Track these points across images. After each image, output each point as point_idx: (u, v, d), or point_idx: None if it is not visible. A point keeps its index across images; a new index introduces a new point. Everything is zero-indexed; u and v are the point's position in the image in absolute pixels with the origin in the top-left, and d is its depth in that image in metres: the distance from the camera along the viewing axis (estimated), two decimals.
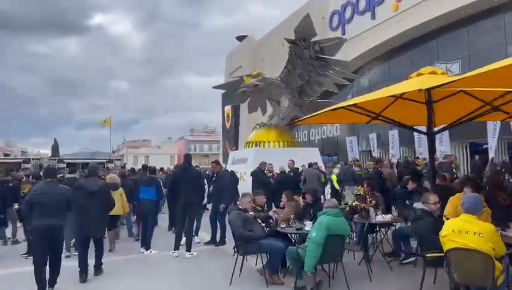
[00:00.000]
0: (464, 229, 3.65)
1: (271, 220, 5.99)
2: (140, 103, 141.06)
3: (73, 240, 7.54)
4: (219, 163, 8.70)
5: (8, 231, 9.17)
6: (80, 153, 55.52)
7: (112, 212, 6.99)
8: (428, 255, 4.33)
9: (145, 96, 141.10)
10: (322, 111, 6.99)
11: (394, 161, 16.06)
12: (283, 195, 6.93)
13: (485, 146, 17.61)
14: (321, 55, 14.98)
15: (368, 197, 6.92)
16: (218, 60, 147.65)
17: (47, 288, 5.35)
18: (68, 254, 7.56)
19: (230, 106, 37.38)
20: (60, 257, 5.66)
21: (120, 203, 8.01)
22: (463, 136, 18.23)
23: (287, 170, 11.25)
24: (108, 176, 8.93)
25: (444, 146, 20.24)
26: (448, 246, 3.72)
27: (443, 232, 3.79)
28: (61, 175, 9.92)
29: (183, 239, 7.73)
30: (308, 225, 5.46)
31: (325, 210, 4.88)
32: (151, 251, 7.84)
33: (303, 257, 4.80)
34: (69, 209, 5.63)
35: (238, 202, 5.83)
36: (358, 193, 7.04)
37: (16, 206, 8.30)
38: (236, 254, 6.97)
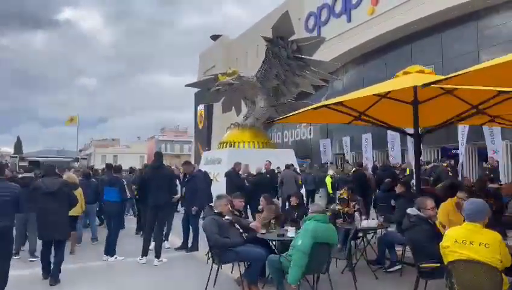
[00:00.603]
0: (468, 239, 3.29)
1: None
2: (109, 100, 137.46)
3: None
4: (190, 163, 8.14)
5: None
6: (45, 151, 53.26)
7: (70, 213, 6.46)
8: (423, 265, 3.98)
9: (114, 94, 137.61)
10: (304, 109, 6.61)
11: (369, 164, 15.96)
12: (261, 198, 6.49)
13: (454, 151, 17.83)
14: (299, 55, 14.65)
15: (349, 201, 6.56)
16: (191, 59, 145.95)
17: None
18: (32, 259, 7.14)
19: (203, 106, 36.77)
20: (7, 265, 5.08)
21: (79, 203, 7.40)
22: (434, 141, 18.37)
23: (263, 171, 10.81)
24: (66, 174, 8.22)
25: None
26: (450, 258, 3.36)
27: (444, 242, 3.43)
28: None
29: (152, 244, 7.17)
30: (290, 231, 5.02)
31: (311, 215, 4.44)
32: (116, 257, 7.20)
33: (286, 267, 4.35)
34: (17, 209, 5.15)
35: (212, 205, 5.28)
36: (342, 197, 6.67)
37: None
38: (210, 261, 6.51)
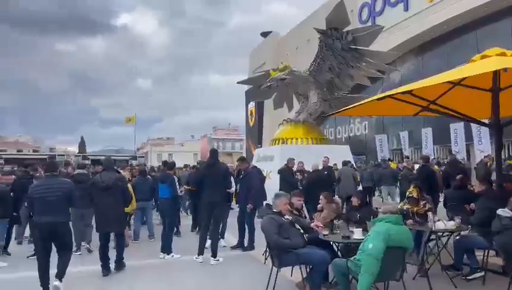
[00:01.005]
0: None
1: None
2: (163, 101, 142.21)
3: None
4: (245, 160, 7.88)
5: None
6: (105, 151, 55.95)
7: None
8: None
9: (168, 95, 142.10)
10: (367, 100, 6.12)
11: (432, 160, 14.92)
12: (321, 196, 6.08)
13: None
14: (354, 46, 13.97)
15: (419, 199, 5.97)
16: (241, 58, 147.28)
17: (54, 281, 5.07)
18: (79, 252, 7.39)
19: (254, 103, 36.70)
20: (68, 257, 5.31)
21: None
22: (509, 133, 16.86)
23: (320, 167, 10.32)
24: None
25: (483, 144, 18.95)
26: None
27: None
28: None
29: (208, 242, 7.00)
30: (357, 233, 4.59)
31: (383, 216, 4.00)
32: (172, 255, 7.11)
33: (355, 272, 3.94)
34: (71, 204, 5.37)
35: (271, 204, 4.96)
36: (410, 195, 6.09)
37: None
38: (267, 261, 6.23)
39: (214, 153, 7.27)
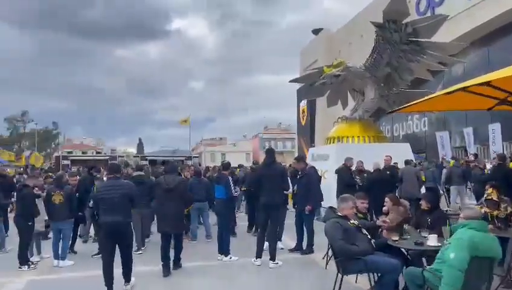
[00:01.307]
0: None
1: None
2: (216, 101, 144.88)
3: None
4: (303, 159, 7.60)
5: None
6: (161, 151, 57.95)
7: None
8: None
9: (220, 95, 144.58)
10: (435, 94, 5.64)
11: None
12: (386, 198, 5.69)
13: None
14: (415, 38, 13.20)
15: (500, 202, 5.40)
16: (291, 57, 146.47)
17: (124, 285, 5.35)
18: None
19: (305, 102, 36.23)
20: (130, 253, 5.51)
21: None
22: None
23: (381, 167, 9.81)
24: None
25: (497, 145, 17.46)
26: None
27: None
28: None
29: (265, 244, 6.83)
30: (431, 239, 4.19)
31: (465, 222, 3.58)
32: (230, 258, 7.01)
33: (433, 284, 3.56)
34: (132, 204, 5.53)
35: (335, 207, 4.67)
36: (489, 197, 5.53)
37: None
38: (330, 267, 5.94)
39: (270, 152, 7.08)
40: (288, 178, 7.79)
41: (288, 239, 8.03)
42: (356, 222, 4.46)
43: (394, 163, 11.20)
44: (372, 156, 11.53)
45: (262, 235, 6.80)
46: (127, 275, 5.48)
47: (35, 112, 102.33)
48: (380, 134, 16.05)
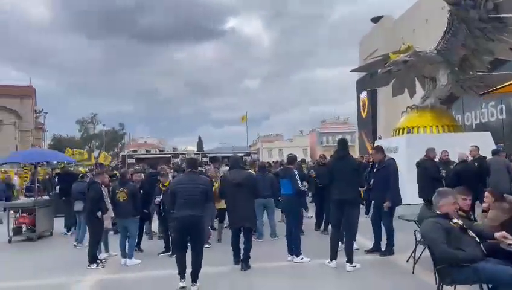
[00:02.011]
0: None
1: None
2: (271, 98, 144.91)
3: None
4: (381, 150, 6.86)
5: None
6: (220, 148, 58.98)
7: (221, 206, 7.51)
8: None
9: (275, 92, 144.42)
10: None
11: None
12: (486, 193, 4.87)
13: None
14: (497, 15, 11.81)
15: None
16: (347, 49, 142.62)
17: (192, 285, 5.24)
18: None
19: (366, 93, 34.76)
20: (201, 250, 5.41)
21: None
22: None
23: (469, 158, 8.77)
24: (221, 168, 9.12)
25: None
26: None
27: None
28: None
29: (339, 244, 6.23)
30: None
31: None
32: (302, 258, 6.49)
33: None
34: (208, 200, 5.59)
35: (432, 204, 3.97)
36: None
37: (158, 199, 7.72)
38: (418, 272, 5.25)
39: (343, 144, 6.45)
40: None
41: (363, 238, 7.36)
42: (460, 222, 3.74)
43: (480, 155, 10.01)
44: (448, 147, 10.47)
45: (335, 234, 6.22)
46: (195, 274, 5.28)
47: (103, 114, 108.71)
48: (455, 123, 14.71)
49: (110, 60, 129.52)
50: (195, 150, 71.22)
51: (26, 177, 17.45)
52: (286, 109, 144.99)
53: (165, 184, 7.43)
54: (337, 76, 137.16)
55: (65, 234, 10.37)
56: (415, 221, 5.48)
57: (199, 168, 11.34)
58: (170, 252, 7.26)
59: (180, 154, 38.31)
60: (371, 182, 6.66)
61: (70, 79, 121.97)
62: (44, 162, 12.21)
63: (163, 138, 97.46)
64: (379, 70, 17.36)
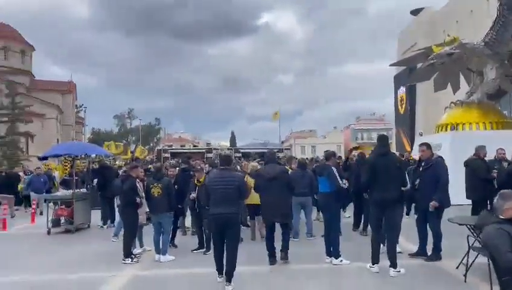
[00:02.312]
0: None
1: None
2: (305, 94, 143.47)
3: None
4: (428, 146, 6.41)
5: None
6: (252, 144, 59.02)
7: (251, 201, 7.38)
8: None
9: (309, 88, 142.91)
10: None
11: None
12: None
13: None
14: None
15: None
16: (383, 44, 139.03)
17: (226, 285, 5.12)
18: None
19: (404, 89, 33.55)
20: (236, 248, 5.25)
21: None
22: None
23: None
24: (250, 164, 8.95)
25: None
26: None
27: None
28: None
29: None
30: None
31: None
32: (341, 260, 6.17)
33: None
34: (242, 196, 5.52)
35: (494, 208, 3.56)
36: None
37: (193, 194, 7.58)
38: (470, 280, 4.83)
39: (383, 140, 6.05)
40: None
41: (406, 241, 6.95)
42: None
43: None
44: (497, 145, 9.78)
45: (376, 237, 5.85)
46: (229, 273, 5.12)
47: (139, 109, 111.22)
48: (505, 119, 13.87)
49: (147, 57, 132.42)
50: (229, 145, 71.61)
51: (66, 170, 17.92)
52: (320, 104, 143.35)
53: (200, 179, 7.29)
54: (374, 71, 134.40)
55: (101, 227, 10.50)
56: (468, 225, 5.06)
57: (236, 163, 11.33)
58: (204, 249, 7.14)
59: (214, 149, 38.45)
60: (417, 182, 6.23)
61: (109, 75, 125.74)
62: (83, 155, 12.35)
63: (197, 133, 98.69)
64: (419, 65, 16.71)
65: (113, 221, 10.48)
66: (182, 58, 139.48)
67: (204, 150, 36.37)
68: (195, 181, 7.37)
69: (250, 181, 7.29)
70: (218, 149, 39.10)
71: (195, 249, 7.27)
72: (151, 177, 7.15)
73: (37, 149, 37.46)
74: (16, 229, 10.87)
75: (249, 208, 8.13)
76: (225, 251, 5.25)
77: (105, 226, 10.46)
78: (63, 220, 10.03)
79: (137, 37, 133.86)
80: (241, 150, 35.34)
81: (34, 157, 34.37)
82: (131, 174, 7.03)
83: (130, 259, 6.62)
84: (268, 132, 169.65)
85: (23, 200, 14.71)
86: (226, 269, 5.16)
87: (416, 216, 6.64)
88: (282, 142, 66.68)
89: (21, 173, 14.78)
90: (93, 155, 13.95)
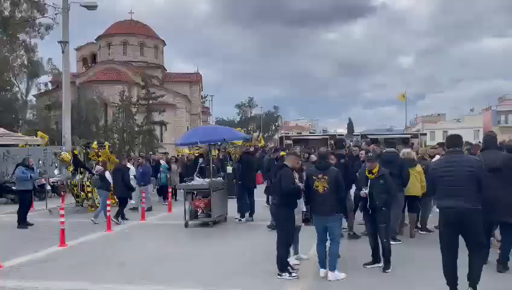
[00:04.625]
0: None
1: None
2: (428, 75, 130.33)
3: None
4: None
5: None
6: (376, 130, 55.24)
7: (410, 193, 6.97)
8: None
9: (434, 68, 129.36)
10: None
11: None
12: None
13: None
14: None
15: None
16: None
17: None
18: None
19: None
20: (480, 249, 4.29)
21: (419, 183, 7.06)
22: None
23: None
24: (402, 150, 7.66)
25: None
26: None
27: None
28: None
29: None
30: None
31: None
32: None
33: None
34: (480, 187, 4.26)
35: None
36: None
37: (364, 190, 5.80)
38: None
39: None
40: None
41: None
42: None
43: None
44: None
45: None
46: (473, 281, 4.17)
47: (259, 98, 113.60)
48: None
49: (264, 47, 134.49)
50: (346, 132, 68.31)
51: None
52: (447, 86, 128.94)
53: (373, 171, 5.45)
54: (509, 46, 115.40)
55: (239, 220, 9.44)
56: None
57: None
58: (382, 265, 5.32)
59: (338, 135, 36.49)
60: None
61: (229, 66, 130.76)
62: (218, 143, 11.32)
63: (315, 119, 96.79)
64: None
65: (251, 214, 9.48)
66: (297, 45, 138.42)
67: (328, 136, 34.59)
68: (367, 173, 5.52)
69: None
70: (342, 135, 36.90)
71: (368, 264, 5.48)
72: (313, 167, 5.49)
73: (170, 137, 39.72)
74: (151, 219, 10.36)
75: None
76: (468, 254, 4.19)
77: (243, 219, 9.42)
78: (200, 211, 9.17)
79: (254, 29, 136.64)
80: (369, 136, 32.55)
81: (168, 145, 36.39)
82: (285, 163, 5.48)
83: (287, 273, 5.11)
84: (385, 118, 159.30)
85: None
86: (470, 276, 4.18)
87: None
88: (405, 128, 61.05)
89: (162, 161, 14.51)
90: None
